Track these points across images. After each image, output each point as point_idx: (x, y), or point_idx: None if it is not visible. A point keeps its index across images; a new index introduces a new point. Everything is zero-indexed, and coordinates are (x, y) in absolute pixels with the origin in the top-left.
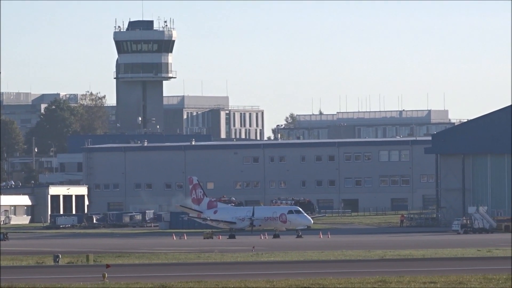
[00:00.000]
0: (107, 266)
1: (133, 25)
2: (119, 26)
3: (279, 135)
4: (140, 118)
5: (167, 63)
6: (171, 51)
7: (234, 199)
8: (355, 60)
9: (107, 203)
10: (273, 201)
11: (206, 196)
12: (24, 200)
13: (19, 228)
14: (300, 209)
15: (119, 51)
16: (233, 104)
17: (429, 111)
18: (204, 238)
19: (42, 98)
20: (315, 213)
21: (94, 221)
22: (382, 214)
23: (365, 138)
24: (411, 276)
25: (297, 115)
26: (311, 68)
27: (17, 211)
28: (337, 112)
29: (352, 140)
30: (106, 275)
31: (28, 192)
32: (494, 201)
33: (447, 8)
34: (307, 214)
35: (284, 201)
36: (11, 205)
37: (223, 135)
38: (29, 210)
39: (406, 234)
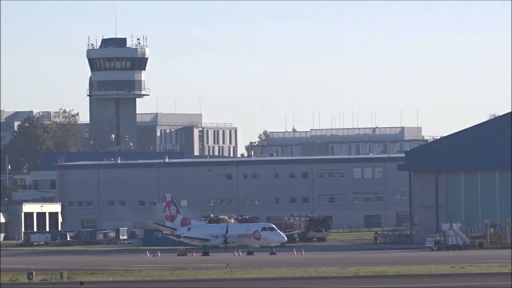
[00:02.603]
0: (81, 283)
1: (106, 42)
2: (92, 44)
3: (252, 152)
4: (113, 136)
5: (140, 80)
6: (144, 69)
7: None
8: (328, 77)
9: (80, 220)
10: (286, 218)
11: (180, 213)
12: None
13: None
14: (274, 226)
15: (92, 68)
16: (206, 121)
17: (403, 128)
18: (178, 255)
19: (15, 115)
20: (330, 230)
21: (68, 238)
22: (355, 231)
23: (339, 155)
24: None
25: (270, 132)
26: (285, 85)
27: None
28: (310, 129)
29: (326, 157)
30: None
31: (2, 209)
32: (468, 218)
33: (419, 25)
34: (322, 232)
35: (297, 218)
36: None
37: (196, 152)
38: (3, 228)
39: (380, 251)
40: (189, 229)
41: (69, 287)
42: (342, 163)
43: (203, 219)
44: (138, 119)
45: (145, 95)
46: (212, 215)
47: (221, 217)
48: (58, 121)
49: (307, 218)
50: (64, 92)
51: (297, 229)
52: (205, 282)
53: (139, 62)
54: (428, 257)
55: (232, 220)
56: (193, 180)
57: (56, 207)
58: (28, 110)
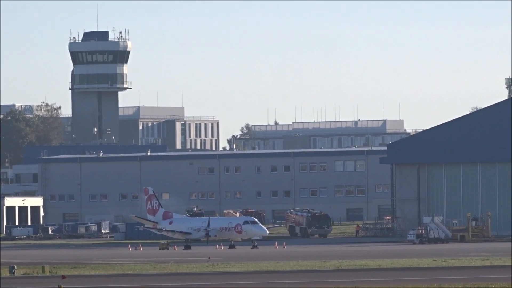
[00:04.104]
0: (63, 277)
1: (88, 36)
2: (74, 37)
3: (234, 145)
4: (95, 129)
5: (122, 73)
6: (126, 62)
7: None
8: (310, 70)
9: (62, 214)
10: (288, 212)
11: (162, 207)
12: None
13: None
14: (256, 220)
15: (74, 62)
16: (188, 114)
17: (385, 121)
18: (160, 249)
19: None
20: (331, 227)
21: (50, 232)
22: (337, 224)
23: (321, 148)
24: (366, 286)
25: (252, 125)
26: (267, 78)
27: None
28: (292, 122)
29: (308, 150)
30: (62, 286)
31: None
32: (450, 211)
33: (400, 18)
34: (324, 227)
35: (299, 213)
36: None
37: (178, 146)
38: None
39: (362, 244)
40: (171, 223)
41: (51, 281)
42: (324, 156)
43: (187, 213)
44: (120, 112)
45: (127, 88)
46: (196, 209)
47: (226, 211)
48: (41, 114)
49: (309, 214)
50: (46, 85)
51: (299, 225)
52: (187, 275)
53: (121, 56)
54: (410, 250)
55: (238, 214)
56: (175, 173)
57: (38, 201)
58: (11, 103)
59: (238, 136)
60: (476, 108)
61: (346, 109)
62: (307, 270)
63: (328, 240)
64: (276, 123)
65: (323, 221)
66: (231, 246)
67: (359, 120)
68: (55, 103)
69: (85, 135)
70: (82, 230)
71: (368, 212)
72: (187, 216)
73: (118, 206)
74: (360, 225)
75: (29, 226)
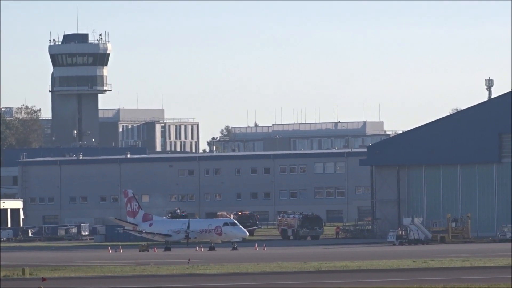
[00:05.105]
0: (43, 279)
1: (68, 38)
2: (54, 40)
3: (214, 147)
4: (75, 131)
5: (102, 76)
6: (106, 64)
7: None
8: (290, 72)
9: (42, 216)
10: (281, 215)
11: (141, 209)
12: None
13: None
14: (236, 222)
15: (54, 64)
16: (168, 116)
17: (365, 122)
18: (140, 251)
19: None
20: (323, 228)
21: (30, 235)
22: None
23: (301, 150)
24: (346, 287)
25: (232, 127)
26: (247, 80)
27: None
28: (272, 124)
29: (288, 152)
30: None
31: None
32: (429, 212)
33: (379, 19)
34: (316, 229)
35: (291, 216)
36: None
37: (158, 148)
38: None
39: (342, 246)
40: (150, 225)
41: (32, 283)
42: (304, 158)
43: (169, 215)
44: (100, 114)
45: (107, 90)
46: (179, 211)
47: (219, 213)
48: (20, 117)
49: (301, 216)
50: (26, 88)
51: (291, 227)
52: (167, 277)
53: (101, 58)
54: (390, 252)
55: (232, 216)
56: (155, 175)
57: (17, 203)
58: None
59: (218, 138)
60: (456, 109)
61: (326, 110)
62: (287, 272)
63: (307, 242)
64: (256, 125)
65: (315, 222)
66: (211, 248)
67: (339, 121)
68: (35, 106)
69: (65, 138)
70: (62, 232)
71: (348, 214)
72: (168, 218)
73: (98, 208)
74: (340, 227)
75: (9, 228)
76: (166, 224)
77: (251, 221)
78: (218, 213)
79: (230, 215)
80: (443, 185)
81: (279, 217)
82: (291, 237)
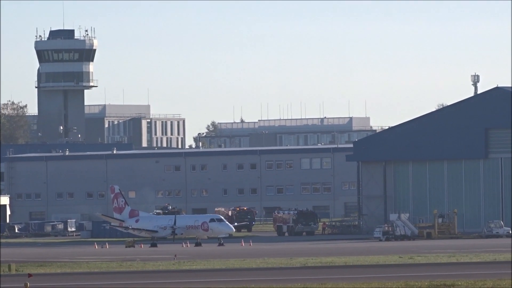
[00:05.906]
0: (29, 275)
1: (54, 34)
2: (40, 35)
3: (200, 143)
4: (61, 127)
5: (88, 72)
6: (92, 60)
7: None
8: (275, 68)
9: (29, 212)
10: (276, 212)
11: (128, 205)
12: None
13: None
14: (222, 218)
15: (40, 60)
16: (154, 112)
17: (351, 118)
18: (126, 247)
19: None
20: (318, 224)
21: (16, 231)
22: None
23: (287, 146)
24: (333, 283)
25: (218, 123)
26: (232, 75)
27: None
28: (258, 120)
29: (274, 148)
30: (28, 285)
31: None
32: (416, 208)
33: (364, 15)
34: (311, 224)
35: (286, 212)
36: None
37: (144, 144)
38: None
39: (328, 242)
40: (137, 221)
41: (18, 279)
42: (290, 154)
43: (160, 211)
44: (86, 110)
45: (93, 86)
46: (170, 207)
47: (217, 209)
48: (6, 113)
49: (296, 212)
50: (12, 84)
51: (286, 223)
52: (153, 273)
53: (87, 54)
54: (376, 248)
55: (230, 212)
56: (141, 171)
57: (4, 200)
58: None
59: (204, 134)
60: (442, 105)
61: (312, 106)
62: (273, 268)
63: (294, 238)
64: (242, 121)
65: (310, 217)
66: (197, 244)
67: (325, 117)
68: (21, 102)
69: (51, 134)
70: (48, 228)
71: (335, 210)
72: (155, 214)
73: (85, 204)
74: (327, 223)
75: None
76: (153, 220)
77: (249, 216)
78: (215, 209)
79: (228, 211)
80: (430, 181)
81: (275, 213)
82: (286, 233)
